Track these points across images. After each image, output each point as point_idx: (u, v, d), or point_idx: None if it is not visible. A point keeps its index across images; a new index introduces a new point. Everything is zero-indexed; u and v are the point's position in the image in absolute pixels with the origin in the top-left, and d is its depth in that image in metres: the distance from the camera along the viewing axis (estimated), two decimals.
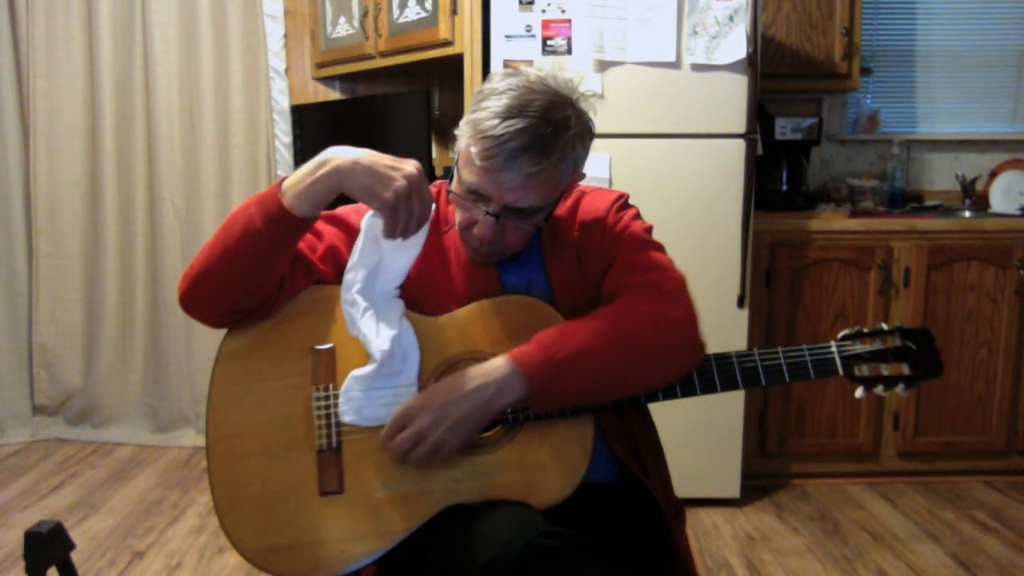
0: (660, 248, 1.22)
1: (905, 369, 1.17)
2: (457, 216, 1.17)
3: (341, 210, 1.22)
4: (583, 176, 1.20)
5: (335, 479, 1.08)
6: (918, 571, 2.20)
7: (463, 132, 1.12)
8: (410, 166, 1.04)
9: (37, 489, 2.77)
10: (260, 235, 1.03)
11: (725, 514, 2.55)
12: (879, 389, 1.16)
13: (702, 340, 1.14)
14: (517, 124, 1.05)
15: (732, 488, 2.59)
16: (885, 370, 1.16)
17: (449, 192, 1.17)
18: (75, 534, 1.80)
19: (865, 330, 1.18)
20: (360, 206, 1.23)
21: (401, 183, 1.02)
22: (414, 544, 1.07)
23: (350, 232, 1.19)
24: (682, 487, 1.33)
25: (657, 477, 1.23)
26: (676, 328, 1.10)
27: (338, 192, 1.04)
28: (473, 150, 1.07)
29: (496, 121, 1.05)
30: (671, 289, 1.13)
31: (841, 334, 1.18)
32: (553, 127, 1.07)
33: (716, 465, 2.57)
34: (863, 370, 1.16)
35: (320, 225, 1.19)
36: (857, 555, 2.29)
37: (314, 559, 1.06)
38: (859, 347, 1.16)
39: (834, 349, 1.16)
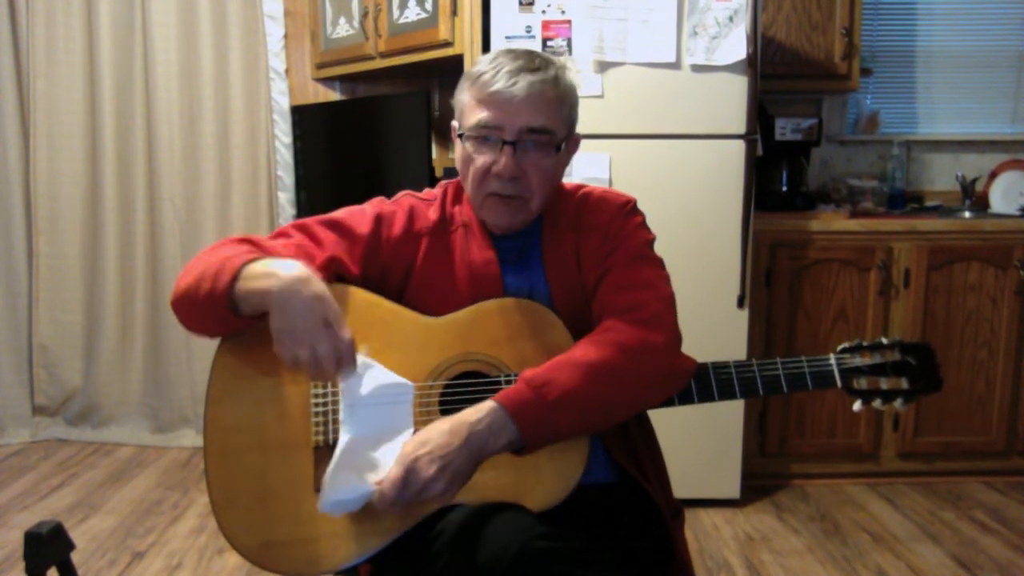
0: (655, 263, 1.21)
1: (904, 383, 1.16)
2: (474, 168, 1.17)
3: (345, 215, 1.23)
4: (579, 140, 1.25)
5: None
6: (918, 571, 2.20)
7: (461, 90, 1.20)
8: (325, 345, 1.00)
9: (37, 489, 2.77)
10: (214, 300, 1.05)
11: (725, 515, 2.55)
12: (877, 403, 1.16)
13: (683, 365, 1.13)
14: (509, 61, 1.16)
15: (732, 489, 2.59)
16: (884, 384, 1.16)
17: (462, 135, 1.19)
18: (75, 534, 1.80)
19: (864, 343, 1.18)
20: (365, 207, 1.24)
21: (303, 353, 1.00)
22: (411, 544, 1.07)
23: (353, 240, 1.19)
24: (682, 488, 1.33)
25: (655, 478, 1.22)
26: (658, 356, 1.10)
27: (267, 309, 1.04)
28: (476, 89, 1.15)
29: (489, 63, 1.16)
30: (654, 313, 1.12)
31: (840, 347, 1.18)
32: (541, 58, 1.18)
33: (716, 466, 2.57)
34: (862, 383, 1.16)
35: (321, 231, 1.20)
36: (857, 555, 2.29)
37: (309, 555, 1.07)
38: (858, 360, 1.16)
39: (833, 362, 1.16)
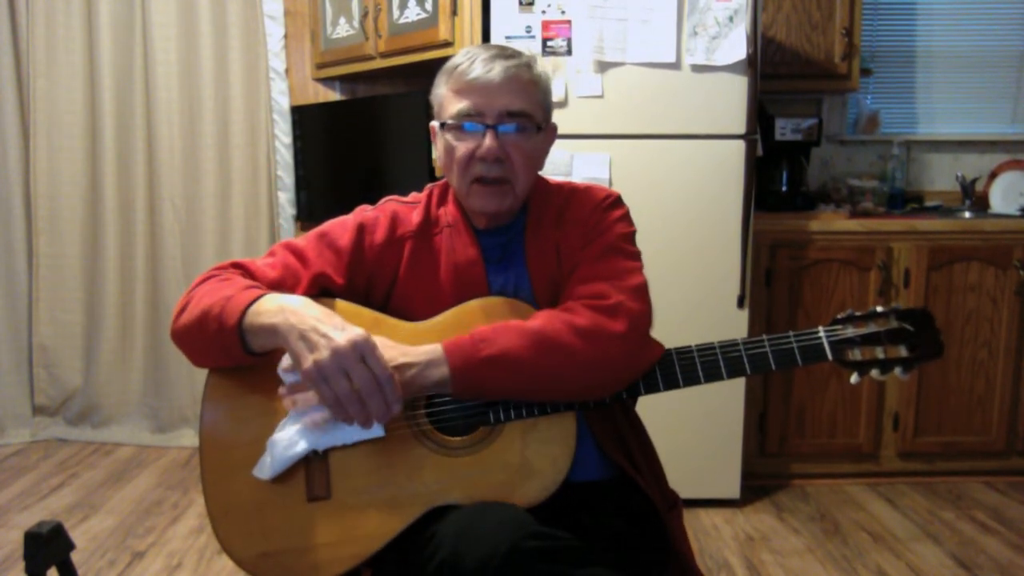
0: (627, 255, 1.20)
1: (903, 351, 1.12)
2: (457, 156, 1.19)
3: (328, 228, 1.24)
4: (556, 129, 1.26)
5: (322, 485, 1.09)
6: (918, 571, 2.20)
7: (437, 85, 1.23)
8: (344, 336, 0.98)
9: (37, 489, 2.77)
10: (224, 336, 1.06)
11: (725, 514, 2.55)
12: (875, 373, 1.13)
13: (646, 354, 1.12)
14: (482, 51, 1.20)
15: (732, 488, 2.59)
16: (880, 353, 1.12)
17: (443, 126, 1.20)
18: (75, 534, 1.80)
19: (858, 313, 1.14)
20: (348, 218, 1.26)
21: (322, 355, 0.97)
22: (407, 546, 1.07)
23: (337, 252, 1.20)
24: (682, 487, 1.33)
25: (649, 472, 1.22)
26: (614, 343, 1.08)
27: (278, 346, 1.04)
28: (453, 80, 1.19)
29: (463, 55, 1.20)
30: (616, 302, 1.11)
31: (833, 318, 1.15)
32: (512, 48, 1.22)
33: (716, 465, 2.57)
34: (856, 354, 1.12)
35: (306, 247, 1.21)
36: (857, 555, 2.29)
37: (304, 564, 1.07)
38: (850, 331, 1.13)
39: (822, 334, 1.12)
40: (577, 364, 1.07)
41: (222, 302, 1.07)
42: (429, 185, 1.31)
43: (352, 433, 1.08)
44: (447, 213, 1.25)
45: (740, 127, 2.40)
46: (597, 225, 1.21)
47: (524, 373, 1.06)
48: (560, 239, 1.22)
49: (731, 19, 2.34)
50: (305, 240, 1.22)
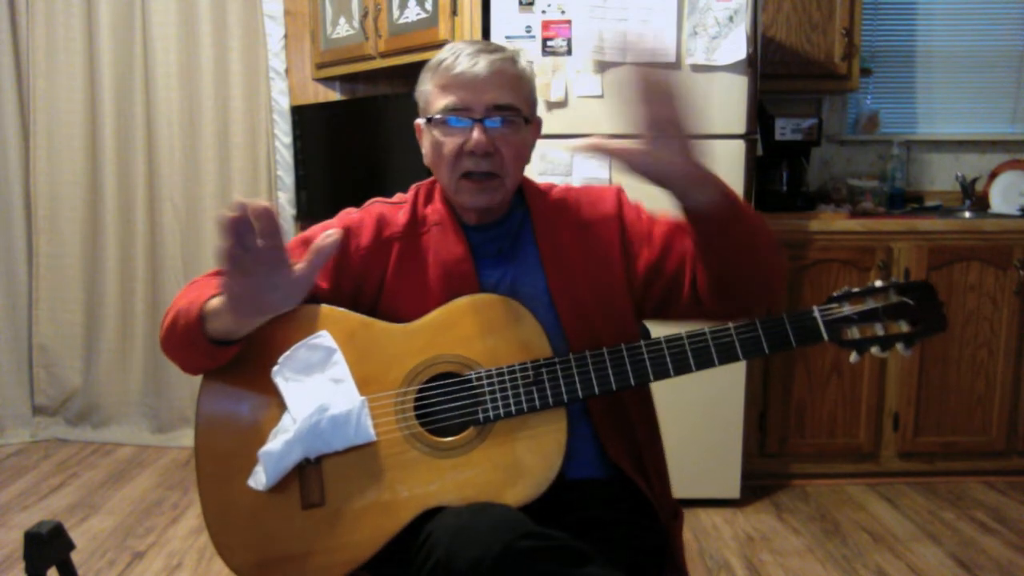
0: None
1: (904, 327, 1.08)
2: (446, 151, 1.17)
3: (313, 232, 1.23)
4: (541, 124, 1.26)
5: (317, 492, 1.09)
6: (918, 571, 2.20)
7: (422, 82, 1.21)
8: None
9: (37, 489, 2.77)
10: (190, 329, 1.07)
11: (725, 514, 2.55)
12: (875, 350, 1.08)
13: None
14: (467, 46, 1.19)
15: (732, 488, 2.59)
16: (880, 330, 1.08)
17: (430, 120, 1.18)
18: (75, 534, 1.80)
19: (855, 290, 1.09)
20: (333, 222, 1.25)
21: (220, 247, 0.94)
22: (403, 547, 1.07)
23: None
24: (682, 487, 1.33)
25: (655, 475, 1.21)
26: (774, 243, 1.12)
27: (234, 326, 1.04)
28: (439, 76, 1.18)
29: (448, 51, 1.19)
30: None
31: (828, 297, 1.11)
32: (496, 44, 1.22)
33: (716, 465, 2.57)
34: (854, 333, 1.08)
35: (289, 251, 1.20)
36: (857, 555, 2.29)
37: (302, 570, 1.08)
38: (847, 308, 1.08)
39: (816, 314, 1.08)
40: (766, 234, 1.09)
41: (190, 300, 1.08)
42: (415, 184, 1.30)
43: (343, 439, 1.09)
44: (434, 211, 1.24)
45: (740, 127, 2.40)
46: (638, 208, 1.25)
47: (738, 209, 1.07)
48: (591, 238, 1.22)
49: (731, 19, 2.34)
50: (289, 245, 1.21)
